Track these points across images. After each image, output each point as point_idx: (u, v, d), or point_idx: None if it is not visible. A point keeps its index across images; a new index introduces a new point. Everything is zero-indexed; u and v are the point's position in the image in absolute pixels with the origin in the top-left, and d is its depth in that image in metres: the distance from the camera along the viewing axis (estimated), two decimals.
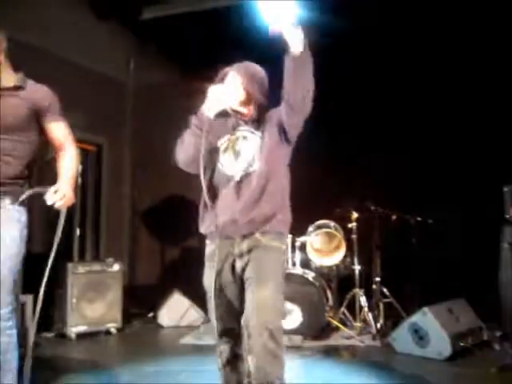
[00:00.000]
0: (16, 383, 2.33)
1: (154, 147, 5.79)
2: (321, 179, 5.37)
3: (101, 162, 6.09)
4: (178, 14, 5.45)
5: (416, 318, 3.92)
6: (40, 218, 4.43)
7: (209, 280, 2.28)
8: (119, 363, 3.85)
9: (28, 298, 3.90)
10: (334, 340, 4.51)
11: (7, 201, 2.35)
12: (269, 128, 2.32)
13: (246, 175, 2.27)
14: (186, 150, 2.30)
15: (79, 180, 5.46)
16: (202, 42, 5.44)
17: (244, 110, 2.37)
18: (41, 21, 4.75)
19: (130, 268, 6.19)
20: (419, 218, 4.93)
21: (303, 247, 4.89)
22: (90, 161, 6.02)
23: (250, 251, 2.22)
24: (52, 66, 4.79)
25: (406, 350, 3.96)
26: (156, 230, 6.51)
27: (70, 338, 4.56)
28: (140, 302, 5.77)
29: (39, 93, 2.45)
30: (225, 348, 2.32)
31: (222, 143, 2.37)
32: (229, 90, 2.28)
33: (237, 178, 2.27)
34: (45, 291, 2.34)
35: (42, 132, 2.50)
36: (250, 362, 2.12)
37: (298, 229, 4.84)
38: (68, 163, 2.50)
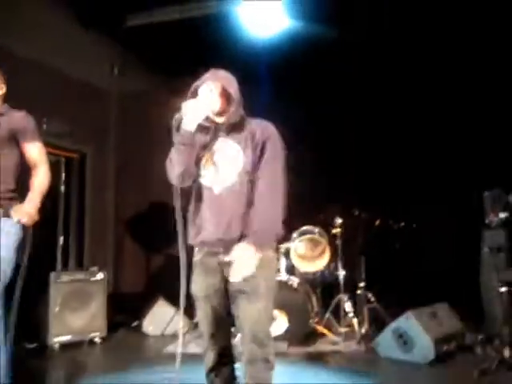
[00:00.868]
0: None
1: (137, 155, 5.79)
2: (305, 185, 5.41)
3: (84, 170, 6.05)
4: (162, 22, 5.46)
5: (400, 322, 3.96)
6: None
7: (197, 287, 2.32)
8: (103, 373, 3.81)
9: None
10: (319, 346, 4.52)
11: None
12: (250, 143, 2.31)
13: (226, 189, 2.27)
14: (175, 169, 2.29)
15: (62, 188, 5.42)
16: (186, 50, 5.47)
17: (221, 120, 2.37)
18: (24, 28, 4.73)
19: (114, 276, 6.15)
20: (402, 224, 4.99)
21: (287, 253, 4.91)
22: (74, 169, 5.98)
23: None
24: (35, 74, 4.76)
25: (391, 354, 3.99)
26: (140, 237, 6.49)
27: (53, 348, 4.50)
28: (124, 310, 5.72)
29: (17, 118, 2.77)
30: (211, 354, 2.34)
31: (203, 154, 2.38)
32: (202, 102, 2.27)
33: (216, 192, 2.29)
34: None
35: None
36: (244, 369, 2.20)
37: (283, 235, 4.85)
38: (39, 180, 2.78)
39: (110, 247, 6.37)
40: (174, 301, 5.33)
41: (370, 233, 5.00)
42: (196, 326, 4.67)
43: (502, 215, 4.10)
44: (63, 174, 5.48)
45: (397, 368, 3.82)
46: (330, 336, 4.60)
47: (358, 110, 5.57)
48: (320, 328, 4.66)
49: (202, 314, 2.32)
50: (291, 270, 4.92)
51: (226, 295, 2.29)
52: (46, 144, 2.98)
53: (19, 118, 2.79)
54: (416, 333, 3.84)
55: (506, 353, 3.60)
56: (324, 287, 5.12)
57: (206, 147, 2.38)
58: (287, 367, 3.82)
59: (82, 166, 6.02)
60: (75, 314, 4.70)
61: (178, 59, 5.60)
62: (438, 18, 4.85)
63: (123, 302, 5.85)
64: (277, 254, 2.42)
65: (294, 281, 4.69)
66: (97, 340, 4.79)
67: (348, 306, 4.75)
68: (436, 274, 5.07)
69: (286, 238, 4.96)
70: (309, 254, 5.01)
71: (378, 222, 4.97)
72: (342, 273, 4.84)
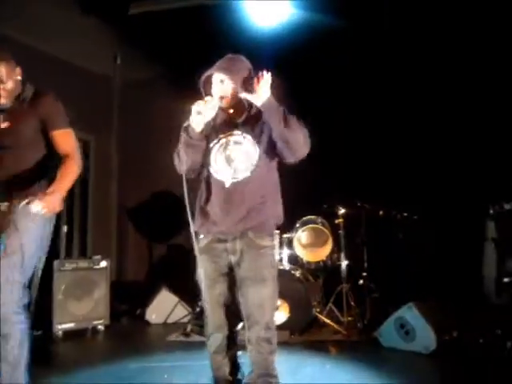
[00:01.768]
0: (26, 374, 2.44)
1: (141, 143, 5.78)
2: (308, 175, 5.39)
3: (87, 159, 6.05)
4: (166, 9, 5.42)
5: (402, 312, 3.97)
6: None
7: (203, 271, 2.36)
8: (106, 360, 3.84)
9: None
10: (321, 335, 4.54)
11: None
12: (263, 135, 2.33)
13: (237, 183, 2.30)
14: (183, 163, 2.34)
15: None
16: (190, 38, 5.43)
17: (233, 110, 2.37)
18: (26, 16, 4.70)
19: (117, 265, 6.18)
20: (405, 214, 4.97)
21: (290, 243, 4.91)
22: None
23: (244, 250, 2.29)
24: (37, 62, 4.74)
25: (392, 344, 4.00)
26: (143, 226, 6.50)
27: (57, 336, 4.53)
28: (127, 298, 5.75)
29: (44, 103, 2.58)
30: (217, 336, 2.40)
31: (214, 144, 2.38)
32: (209, 102, 2.28)
33: (227, 185, 2.30)
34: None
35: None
36: (251, 352, 2.30)
37: (285, 225, 4.84)
38: (66, 170, 2.57)
39: (113, 236, 6.39)
40: (176, 289, 5.36)
41: (373, 223, 4.98)
42: (197, 315, 4.70)
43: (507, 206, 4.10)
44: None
45: (399, 358, 3.82)
46: (332, 326, 4.61)
47: (363, 100, 5.54)
48: (322, 318, 4.67)
49: (208, 298, 2.38)
50: (294, 259, 4.93)
51: (231, 281, 2.35)
52: None
53: (47, 104, 2.60)
54: (418, 323, 3.85)
55: (509, 344, 3.60)
56: (326, 277, 5.12)
57: (217, 139, 2.38)
58: (289, 356, 3.83)
59: (85, 154, 6.02)
60: (78, 302, 4.73)
61: (182, 48, 5.56)
62: (442, 10, 4.81)
63: (126, 290, 5.88)
64: (276, 243, 2.46)
65: (297, 270, 4.70)
66: (100, 328, 4.82)
67: (350, 296, 4.76)
68: (438, 265, 5.06)
69: (289, 227, 4.97)
70: (312, 244, 5.01)
71: (381, 213, 4.95)
72: (344, 263, 4.84)
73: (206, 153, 2.38)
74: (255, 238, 2.28)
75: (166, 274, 5.86)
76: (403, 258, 4.94)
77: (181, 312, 5.22)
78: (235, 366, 2.45)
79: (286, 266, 4.77)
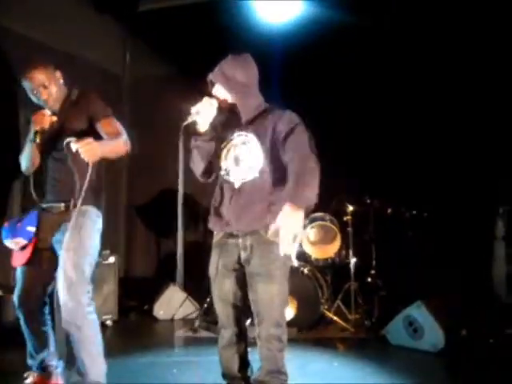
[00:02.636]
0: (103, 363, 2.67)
1: (150, 141, 5.78)
2: None
3: None
4: (175, 6, 5.43)
5: (410, 310, 3.96)
6: None
7: (213, 266, 2.40)
8: (114, 355, 3.85)
9: None
10: (329, 332, 4.54)
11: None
12: (269, 135, 2.32)
13: (246, 183, 2.32)
14: (198, 169, 2.45)
15: None
16: (200, 35, 5.43)
17: (235, 111, 2.38)
18: (37, 12, 4.72)
19: (125, 260, 6.20)
20: (414, 212, 4.95)
21: None
22: None
23: (254, 246, 2.31)
24: (47, 58, 4.74)
25: (400, 342, 4.00)
26: (152, 222, 6.51)
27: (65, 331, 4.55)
28: (136, 294, 5.78)
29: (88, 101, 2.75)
30: (226, 331, 2.42)
31: (223, 146, 2.41)
32: (206, 102, 2.30)
33: (237, 186, 2.32)
34: None
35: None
36: (260, 348, 2.30)
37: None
38: (113, 139, 2.65)
39: (121, 231, 6.41)
40: (184, 285, 5.37)
41: (381, 220, 4.97)
42: (205, 311, 4.72)
43: None
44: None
45: (406, 356, 3.82)
46: (340, 323, 4.61)
47: (374, 97, 5.52)
48: (330, 315, 4.67)
49: (217, 293, 2.41)
50: (302, 256, 4.93)
51: (241, 278, 2.36)
52: None
53: (91, 101, 2.75)
54: (426, 321, 3.84)
55: None
56: (334, 274, 5.11)
57: (227, 141, 2.39)
58: (296, 353, 3.83)
59: None
60: None
61: (192, 44, 5.57)
62: (450, 11, 4.80)
63: (134, 286, 5.91)
64: None
65: (305, 267, 4.70)
66: (108, 323, 4.85)
67: (358, 294, 4.75)
68: (448, 263, 5.04)
69: None
70: (320, 241, 5.01)
71: (389, 210, 4.93)
72: (352, 260, 4.83)
73: (217, 155, 2.40)
74: (265, 234, 2.28)
75: (175, 270, 5.86)
76: (412, 256, 4.93)
77: (188, 308, 5.24)
78: (244, 362, 2.45)
79: (295, 262, 4.77)
